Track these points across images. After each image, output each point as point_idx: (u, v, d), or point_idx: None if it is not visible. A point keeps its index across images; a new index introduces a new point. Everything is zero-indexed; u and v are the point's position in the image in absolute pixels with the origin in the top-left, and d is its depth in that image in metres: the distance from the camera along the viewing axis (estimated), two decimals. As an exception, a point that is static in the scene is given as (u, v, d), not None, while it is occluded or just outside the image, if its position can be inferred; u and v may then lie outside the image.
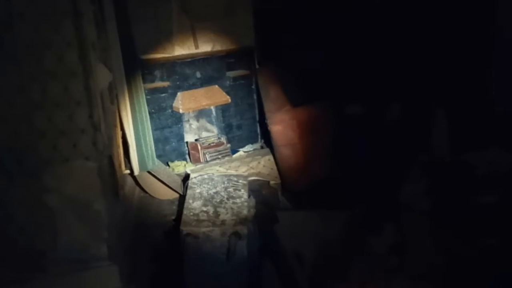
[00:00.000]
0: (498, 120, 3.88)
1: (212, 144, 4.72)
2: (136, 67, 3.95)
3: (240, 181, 4.03)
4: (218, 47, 4.69)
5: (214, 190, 3.84)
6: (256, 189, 4.20)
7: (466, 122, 3.99)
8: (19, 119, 2.44)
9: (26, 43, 2.40)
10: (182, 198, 3.92)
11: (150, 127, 4.10)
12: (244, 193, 3.82)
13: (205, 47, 4.64)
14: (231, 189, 3.87)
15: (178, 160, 4.68)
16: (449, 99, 4.09)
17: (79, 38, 2.47)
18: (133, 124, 3.84)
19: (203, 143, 4.70)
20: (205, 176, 4.10)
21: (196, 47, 4.60)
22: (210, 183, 3.97)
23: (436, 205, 3.52)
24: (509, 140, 3.70)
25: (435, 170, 3.67)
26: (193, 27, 4.51)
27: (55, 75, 2.44)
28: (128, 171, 3.95)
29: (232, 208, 3.56)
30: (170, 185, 4.14)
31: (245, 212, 3.50)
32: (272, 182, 4.47)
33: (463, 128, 3.99)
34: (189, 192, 3.82)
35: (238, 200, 3.71)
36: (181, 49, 4.54)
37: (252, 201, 3.88)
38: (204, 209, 3.53)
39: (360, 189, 3.94)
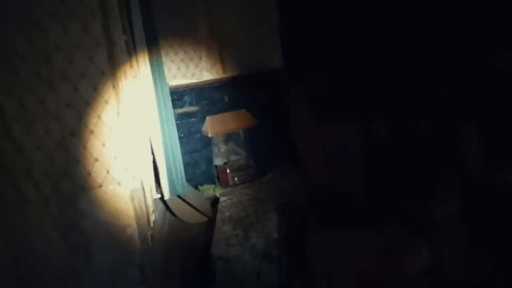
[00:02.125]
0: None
1: (241, 167, 4.74)
2: (166, 93, 4.03)
3: (269, 203, 4.03)
4: (245, 71, 4.76)
5: (243, 213, 3.85)
6: (286, 211, 4.18)
7: (500, 138, 3.88)
8: (56, 146, 2.53)
9: (62, 72, 2.51)
10: (212, 221, 3.94)
11: (179, 152, 4.16)
12: (273, 216, 3.81)
13: (233, 71, 4.72)
14: (260, 212, 3.87)
15: (207, 184, 4.71)
16: (481, 114, 3.99)
17: (112, 67, 2.56)
18: (164, 149, 3.90)
19: (231, 166, 4.73)
20: (234, 199, 4.11)
21: (224, 71, 4.68)
22: (239, 206, 3.98)
23: (471, 226, 3.43)
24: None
25: (470, 190, 3.58)
26: (220, 52, 4.61)
27: (89, 103, 2.53)
28: (158, 196, 4.00)
29: (262, 231, 3.56)
30: (200, 209, 4.17)
31: (275, 234, 3.49)
32: (301, 204, 4.43)
33: (497, 145, 3.88)
34: (218, 215, 3.84)
35: (268, 223, 3.70)
36: (209, 74, 4.63)
37: (282, 223, 3.86)
38: (234, 232, 3.53)
39: (393, 209, 3.87)
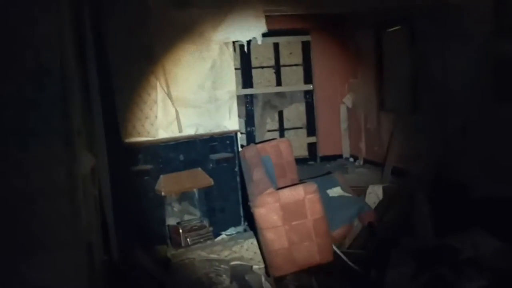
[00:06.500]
0: (476, 203, 3.96)
1: (194, 228, 4.64)
2: (119, 151, 3.97)
3: (222, 266, 3.94)
4: (201, 131, 4.78)
5: (195, 276, 3.73)
6: (239, 274, 4.09)
7: (445, 206, 4.07)
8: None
9: (11, 129, 2.43)
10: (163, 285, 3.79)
11: (132, 211, 4.05)
12: (226, 279, 3.73)
13: (189, 131, 4.73)
14: (212, 275, 3.77)
15: (159, 244, 4.57)
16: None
17: (65, 126, 2.51)
18: (114, 208, 3.78)
19: (184, 227, 4.62)
20: (186, 261, 4.00)
21: (180, 130, 4.68)
22: (191, 269, 3.87)
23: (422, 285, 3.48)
24: (489, 222, 3.76)
25: (420, 255, 3.66)
26: (177, 112, 4.62)
27: (40, 162, 2.44)
28: (106, 257, 3.83)
29: (214, 296, 3.45)
30: (152, 273, 4.01)
31: (227, 300, 3.40)
32: (255, 267, 4.36)
33: (444, 212, 4.05)
34: (169, 278, 3.71)
35: (219, 287, 3.60)
36: (165, 133, 4.61)
37: (235, 287, 3.77)
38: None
39: (347, 275, 3.89)
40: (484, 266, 3.45)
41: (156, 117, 4.54)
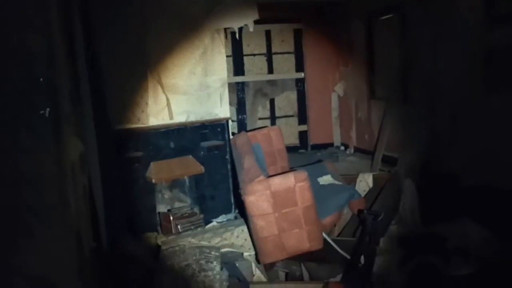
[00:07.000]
0: (465, 193, 4.00)
1: (184, 215, 4.65)
2: (109, 138, 3.95)
3: (213, 252, 3.95)
4: (192, 118, 4.76)
5: (185, 263, 3.74)
6: (229, 261, 4.12)
7: (434, 195, 4.10)
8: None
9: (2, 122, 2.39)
10: (152, 271, 3.80)
11: (122, 198, 4.04)
12: (216, 266, 3.74)
13: (180, 118, 4.71)
14: (203, 262, 3.78)
15: (149, 232, 4.57)
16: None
17: (54, 113, 2.48)
18: (104, 195, 3.77)
19: (175, 214, 4.63)
20: (177, 248, 4.00)
21: (171, 117, 4.66)
22: (181, 256, 3.87)
23: (410, 278, 3.51)
24: (477, 212, 3.80)
25: (408, 243, 3.70)
26: (168, 99, 4.60)
27: (28, 149, 2.41)
28: (95, 245, 3.82)
29: (203, 282, 3.46)
30: (142, 260, 4.01)
31: (217, 286, 3.41)
32: (245, 254, 4.39)
33: (432, 201, 4.09)
34: (159, 265, 3.71)
35: (210, 273, 3.62)
36: (156, 120, 4.59)
37: (225, 274, 3.79)
38: (174, 283, 3.42)
39: (336, 262, 3.93)
40: (471, 255, 3.49)
41: (146, 104, 4.52)
